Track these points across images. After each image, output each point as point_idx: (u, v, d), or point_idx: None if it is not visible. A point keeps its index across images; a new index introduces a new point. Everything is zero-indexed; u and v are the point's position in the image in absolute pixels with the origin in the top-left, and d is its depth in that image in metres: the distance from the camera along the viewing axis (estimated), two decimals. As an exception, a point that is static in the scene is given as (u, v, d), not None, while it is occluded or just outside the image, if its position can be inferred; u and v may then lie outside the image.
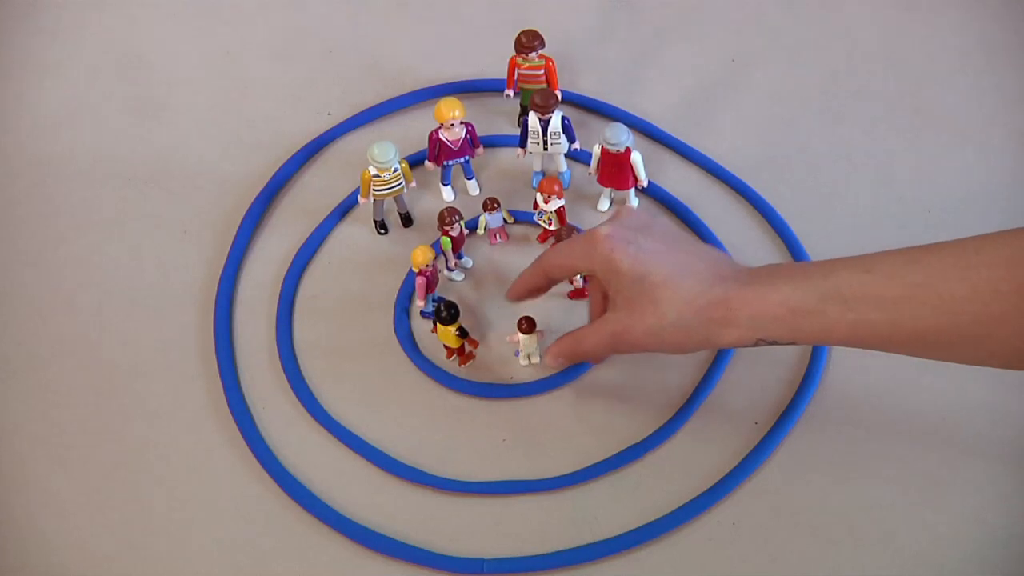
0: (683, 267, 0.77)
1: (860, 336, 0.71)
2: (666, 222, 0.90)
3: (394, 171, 0.97)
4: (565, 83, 1.09)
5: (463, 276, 0.99)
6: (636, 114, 1.09)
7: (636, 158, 0.97)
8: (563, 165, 1.04)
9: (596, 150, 0.98)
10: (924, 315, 0.69)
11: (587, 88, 1.11)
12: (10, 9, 1.23)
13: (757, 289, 0.74)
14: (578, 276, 0.94)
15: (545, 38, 1.02)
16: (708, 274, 0.76)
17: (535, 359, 0.93)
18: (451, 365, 0.93)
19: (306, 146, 1.08)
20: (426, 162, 1.02)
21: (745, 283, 0.75)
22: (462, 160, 1.02)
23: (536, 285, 0.86)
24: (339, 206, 1.04)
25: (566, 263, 0.83)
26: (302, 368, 0.94)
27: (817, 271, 0.73)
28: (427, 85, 1.12)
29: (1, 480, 0.88)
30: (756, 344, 0.75)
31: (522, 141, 1.01)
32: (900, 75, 1.12)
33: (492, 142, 1.07)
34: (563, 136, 1.00)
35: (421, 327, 0.96)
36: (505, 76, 1.05)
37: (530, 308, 0.94)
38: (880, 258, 0.72)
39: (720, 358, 0.92)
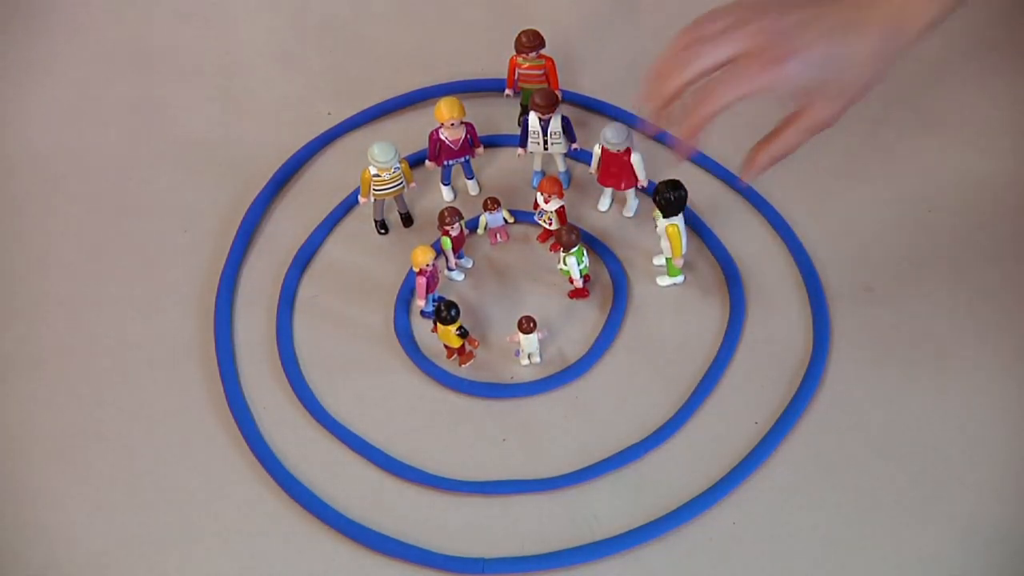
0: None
1: None
2: None
3: (394, 171, 0.97)
4: (565, 83, 1.09)
5: (463, 276, 0.99)
6: (636, 114, 1.09)
7: (636, 158, 0.97)
8: (563, 165, 1.04)
9: (596, 150, 0.98)
10: None
11: (587, 88, 1.11)
12: (10, 8, 1.23)
13: None
14: (579, 275, 0.94)
15: (545, 38, 1.02)
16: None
17: (535, 359, 0.93)
18: (451, 365, 0.93)
19: (306, 146, 1.08)
20: (426, 162, 1.02)
21: None
22: (462, 160, 1.02)
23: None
24: (339, 206, 1.04)
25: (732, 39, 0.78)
26: (302, 368, 0.94)
27: None
28: (427, 85, 1.12)
29: (0, 479, 0.88)
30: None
31: (522, 141, 1.01)
32: (900, 75, 1.12)
33: (492, 142, 1.07)
34: (563, 136, 1.00)
35: (421, 327, 0.96)
36: (505, 76, 1.05)
37: (530, 308, 0.94)
38: None
39: (720, 358, 0.92)
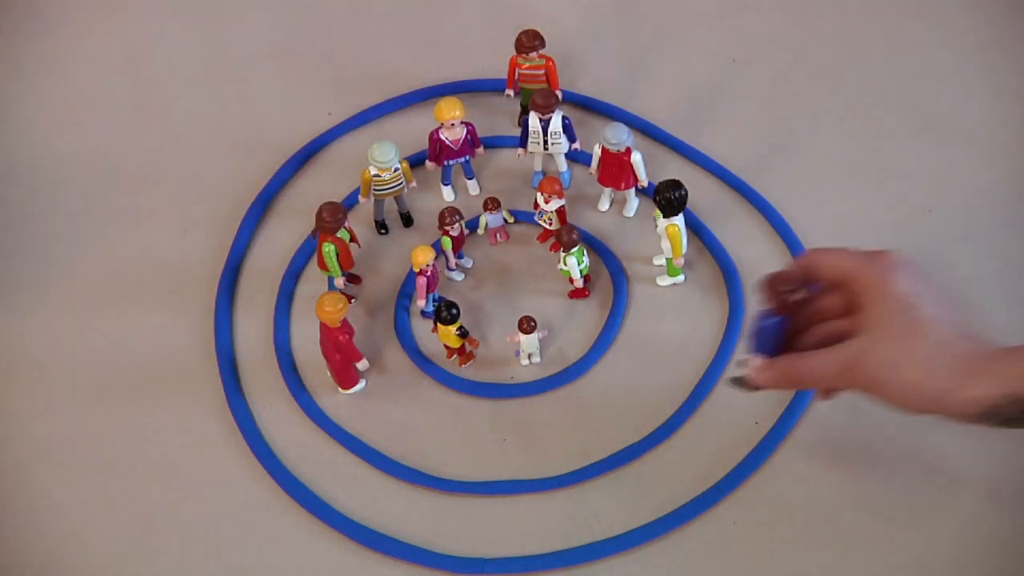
0: (949, 315, 0.73)
1: None
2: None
3: (394, 171, 0.97)
4: (565, 83, 1.09)
5: (463, 276, 0.99)
6: (636, 114, 1.09)
7: (636, 158, 0.97)
8: (563, 165, 1.04)
9: (596, 150, 0.98)
10: None
11: (587, 88, 1.11)
12: (11, 9, 1.23)
13: (1013, 350, 0.71)
14: (579, 275, 0.94)
15: (545, 38, 1.02)
16: (964, 328, 0.73)
17: (535, 359, 0.93)
18: (451, 365, 0.93)
19: (306, 146, 1.08)
20: (426, 162, 1.02)
21: (995, 346, 0.72)
22: (462, 160, 1.02)
23: (792, 280, 0.77)
24: (339, 206, 1.04)
25: (837, 262, 0.75)
26: (302, 368, 0.94)
27: None
28: (427, 85, 1.12)
29: (1, 480, 0.88)
30: (992, 409, 0.70)
31: (522, 141, 1.01)
32: (900, 75, 1.12)
33: (492, 142, 1.07)
34: (563, 136, 1.00)
35: (421, 327, 0.96)
36: (505, 76, 1.05)
37: (530, 308, 0.94)
38: None
39: (720, 358, 0.92)
